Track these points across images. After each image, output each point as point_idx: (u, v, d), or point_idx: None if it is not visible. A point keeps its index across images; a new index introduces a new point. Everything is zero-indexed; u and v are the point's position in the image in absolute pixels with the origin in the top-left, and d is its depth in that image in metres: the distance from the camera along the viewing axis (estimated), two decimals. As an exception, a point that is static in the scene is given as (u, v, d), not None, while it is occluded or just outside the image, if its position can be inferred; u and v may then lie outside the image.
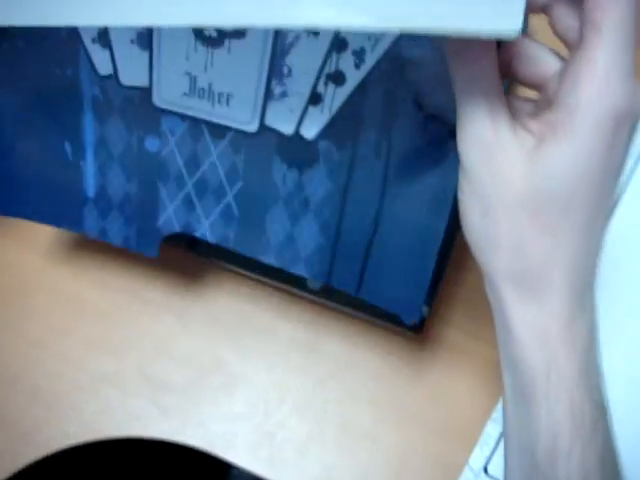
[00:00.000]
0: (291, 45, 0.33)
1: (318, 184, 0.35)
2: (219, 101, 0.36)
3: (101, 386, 0.47)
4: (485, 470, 0.39)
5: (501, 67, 0.28)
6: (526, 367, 0.28)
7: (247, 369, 0.45)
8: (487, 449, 0.39)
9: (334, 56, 0.32)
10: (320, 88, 0.33)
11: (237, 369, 0.46)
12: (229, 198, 0.38)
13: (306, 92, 0.33)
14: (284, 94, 0.34)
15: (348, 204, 0.35)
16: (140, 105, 0.37)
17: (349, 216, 0.35)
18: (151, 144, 0.38)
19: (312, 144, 0.34)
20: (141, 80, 0.37)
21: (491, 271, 0.28)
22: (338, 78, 0.33)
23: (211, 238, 0.39)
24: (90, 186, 0.41)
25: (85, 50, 0.38)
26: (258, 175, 0.36)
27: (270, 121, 0.35)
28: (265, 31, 0.33)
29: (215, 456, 0.43)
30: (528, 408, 0.28)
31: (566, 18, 0.28)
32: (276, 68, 0.34)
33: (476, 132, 0.27)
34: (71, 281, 0.50)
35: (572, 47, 0.28)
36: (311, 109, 0.34)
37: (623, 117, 0.26)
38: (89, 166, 0.41)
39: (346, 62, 0.32)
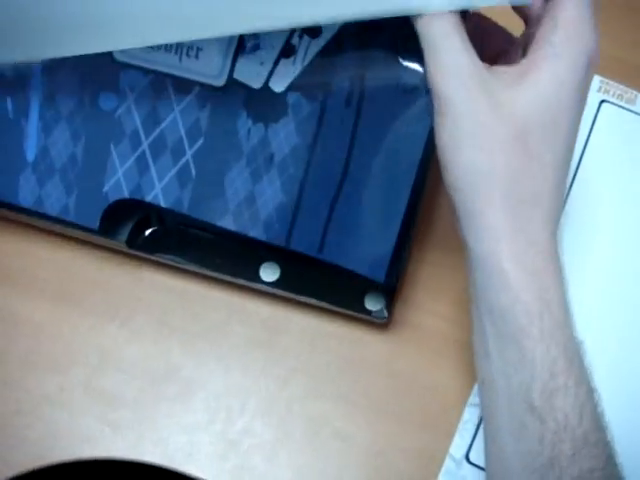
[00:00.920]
0: None
1: (284, 139, 0.35)
2: (187, 54, 0.36)
3: (44, 407, 0.41)
4: (467, 458, 0.38)
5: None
6: (520, 308, 0.28)
7: (203, 374, 0.42)
8: (467, 436, 0.38)
9: (309, 9, 0.34)
10: (294, 40, 0.34)
11: (192, 375, 0.42)
12: (187, 157, 0.37)
13: (279, 45, 0.34)
14: (256, 47, 0.35)
15: (314, 158, 0.35)
16: (97, 59, 0.36)
17: (315, 171, 0.35)
18: (106, 101, 0.37)
19: (281, 97, 0.35)
20: (104, 32, 0.36)
21: (484, 208, 0.28)
22: (314, 30, 0.34)
23: (164, 202, 0.38)
24: (30, 148, 0.39)
25: None
26: (221, 131, 0.36)
27: (239, 74, 0.35)
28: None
29: (176, 471, 0.39)
30: (520, 353, 0.28)
31: None
32: (250, 21, 0.34)
33: (454, 62, 0.28)
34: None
35: (529, 20, 0.32)
36: (282, 61, 0.34)
37: (592, 59, 0.29)
38: (31, 125, 0.38)
39: (321, 15, 0.34)
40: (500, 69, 0.29)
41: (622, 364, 0.40)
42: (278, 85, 0.35)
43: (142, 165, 0.38)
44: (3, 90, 0.38)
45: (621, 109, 0.45)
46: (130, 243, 0.40)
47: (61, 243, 0.44)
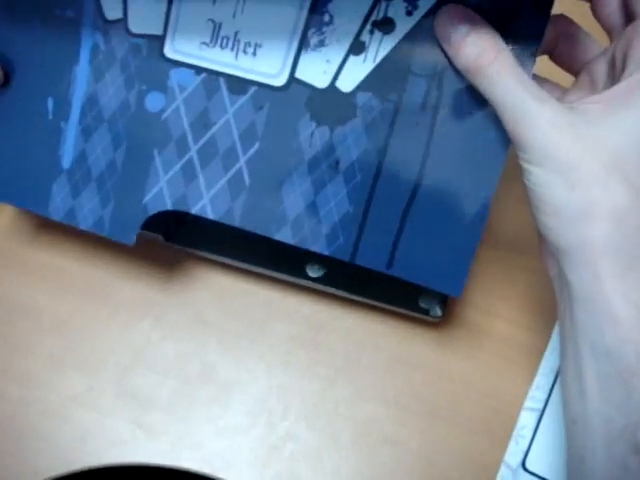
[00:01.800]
0: (334, -8, 0.31)
1: (352, 143, 0.32)
2: (244, 51, 0.33)
3: (72, 409, 0.38)
4: (523, 466, 0.34)
5: (546, 45, 0.29)
6: (630, 347, 0.26)
7: (242, 374, 0.39)
8: (523, 442, 0.35)
9: (382, 3, 0.31)
10: (364, 36, 0.31)
11: (230, 375, 0.39)
12: (241, 164, 0.34)
13: (347, 41, 0.31)
14: (321, 43, 0.32)
15: (386, 164, 0.32)
16: (147, 56, 0.33)
17: (386, 178, 0.32)
18: (153, 102, 0.34)
19: (349, 97, 0.32)
20: (154, 27, 0.33)
21: (584, 248, 0.26)
22: (386, 25, 0.31)
23: (212, 213, 0.34)
24: (67, 153, 0.35)
25: None
26: (280, 135, 0.33)
27: (302, 73, 0.32)
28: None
29: (215, 478, 0.36)
30: (627, 393, 0.26)
31: (609, 3, 0.30)
32: (316, 16, 0.32)
33: (526, 114, 0.27)
34: (23, 287, 0.42)
35: (613, 32, 0.30)
36: (352, 59, 0.31)
37: None
38: (71, 128, 0.35)
39: (396, 9, 0.31)
40: (585, 102, 0.28)
41: None
42: (346, 84, 0.32)
43: (189, 173, 0.34)
44: (46, 88, 0.35)
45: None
46: (167, 235, 0.37)
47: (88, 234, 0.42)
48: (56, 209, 0.36)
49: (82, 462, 0.37)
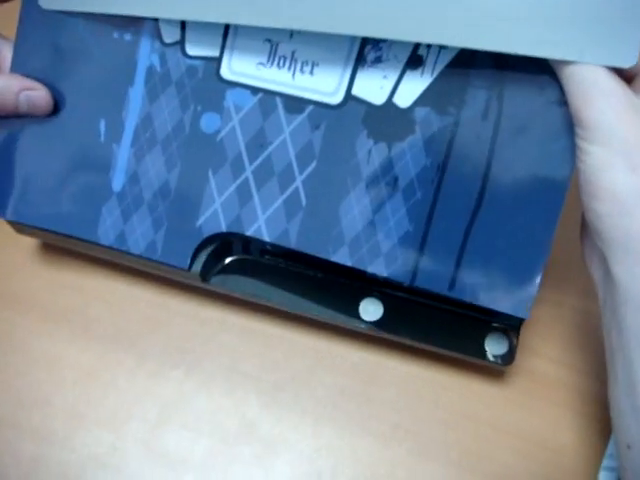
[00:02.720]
0: (390, 10, 0.31)
1: (411, 159, 0.31)
2: (302, 70, 0.32)
3: (94, 470, 0.36)
4: None
5: None
6: None
7: (285, 431, 0.36)
8: None
9: (441, 17, 0.31)
10: (421, 50, 0.31)
11: (272, 433, 0.36)
12: (297, 183, 0.33)
13: (405, 56, 0.31)
14: (378, 59, 0.31)
15: (446, 180, 0.31)
16: (203, 78, 0.33)
17: (446, 195, 0.31)
18: (208, 123, 0.34)
19: (407, 113, 0.31)
20: (211, 49, 0.33)
21: (638, 238, 0.25)
22: (445, 39, 0.31)
23: (268, 235, 0.33)
24: (118, 176, 0.35)
25: None
26: (337, 153, 0.32)
27: (358, 90, 0.32)
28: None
29: None
30: None
31: None
32: (373, 32, 0.31)
33: (600, 88, 0.26)
34: (42, 334, 0.40)
35: None
36: (409, 74, 0.31)
37: None
38: (123, 150, 0.35)
39: (455, 22, 0.31)
40: None
41: None
42: (404, 100, 0.31)
43: (244, 194, 0.34)
44: (98, 110, 0.35)
45: None
46: (204, 275, 0.36)
47: (114, 274, 0.40)
48: (106, 233, 0.35)
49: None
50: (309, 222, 0.33)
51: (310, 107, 0.32)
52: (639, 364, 0.26)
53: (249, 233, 0.34)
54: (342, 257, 0.33)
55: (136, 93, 0.34)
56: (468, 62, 0.30)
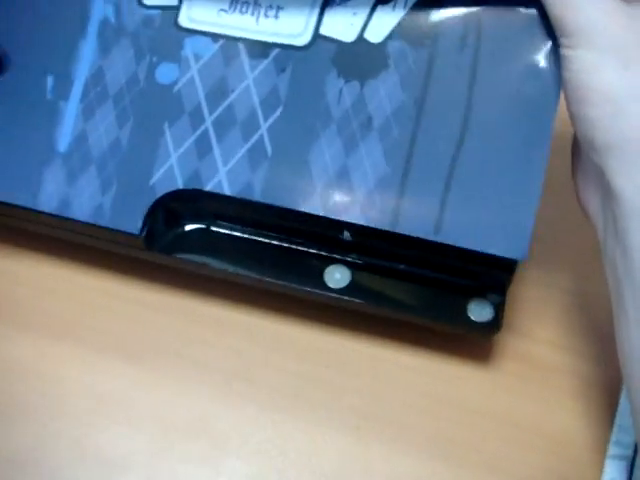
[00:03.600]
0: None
1: (385, 96, 0.29)
2: (266, 15, 0.30)
3: (15, 469, 0.30)
4: None
5: None
6: None
7: (240, 425, 0.31)
8: None
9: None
10: (393, -15, 0.29)
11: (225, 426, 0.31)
12: (262, 131, 0.30)
13: (375, -8, 0.30)
14: (347, -2, 0.30)
15: (424, 116, 0.29)
16: (160, 27, 0.31)
17: (427, 131, 0.29)
18: (165, 74, 0.31)
19: (379, 48, 0.29)
20: (169, -4, 0.31)
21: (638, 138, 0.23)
22: (415, -30, 0.29)
23: (229, 189, 0.30)
24: (64, 135, 0.32)
25: None
26: (306, 96, 0.30)
27: (327, 29, 0.30)
28: None
29: None
30: None
31: None
32: (340, -29, 0.30)
33: None
34: None
35: None
36: (380, 9, 0.29)
37: None
38: (71, 107, 0.32)
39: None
40: None
41: None
42: (375, 35, 0.29)
43: (203, 147, 0.30)
44: (46, 66, 0.32)
45: None
46: (151, 243, 0.32)
47: (47, 259, 0.36)
48: (47, 199, 0.31)
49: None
50: (275, 172, 0.30)
51: (275, 51, 0.30)
52: None
53: (208, 188, 0.30)
54: (313, 207, 0.29)
55: (88, 46, 0.32)
56: None
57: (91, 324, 0.34)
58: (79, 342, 0.34)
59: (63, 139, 0.32)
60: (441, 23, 0.29)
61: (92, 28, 0.32)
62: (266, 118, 0.30)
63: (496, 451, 0.31)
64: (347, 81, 0.30)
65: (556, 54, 0.27)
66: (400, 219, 0.28)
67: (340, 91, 0.30)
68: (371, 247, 0.31)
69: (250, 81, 0.30)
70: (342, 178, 0.29)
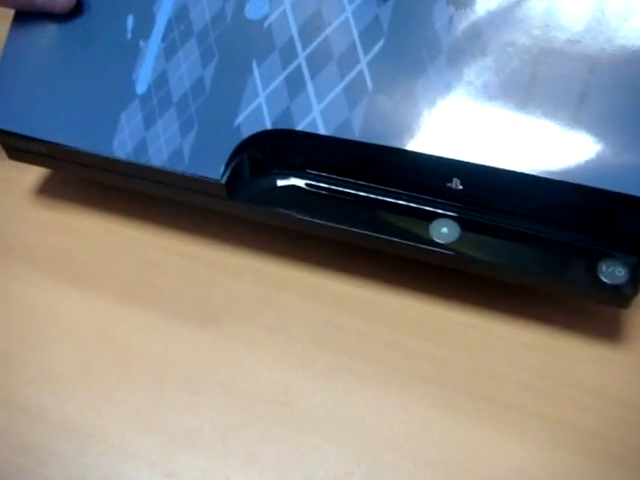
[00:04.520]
0: None
1: (503, 22, 0.26)
2: (367, -56, 0.28)
3: None
4: None
5: None
6: None
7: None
8: None
9: None
10: None
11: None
12: (361, 66, 0.27)
13: None
14: None
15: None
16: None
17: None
18: (255, 9, 0.29)
19: (495, -28, 0.26)
20: None
21: None
22: None
23: (324, 128, 0.27)
24: (143, 76, 0.29)
25: None
26: (410, 26, 0.27)
27: (435, -44, 0.27)
28: None
29: None
30: None
31: None
32: None
33: None
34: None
35: None
36: None
37: None
38: (152, 47, 0.29)
39: None
40: None
41: None
42: (490, -41, 0.27)
43: (295, 84, 0.28)
44: (126, 5, 0.30)
45: None
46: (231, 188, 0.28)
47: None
48: (123, 144, 0.29)
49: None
50: (377, 108, 0.27)
51: (376, -20, 0.28)
52: None
53: (301, 127, 0.27)
54: (420, 145, 0.26)
55: (170, -19, 0.30)
56: None
57: (159, 287, 0.31)
58: (145, 304, 0.30)
59: (142, 80, 0.29)
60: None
61: (177, -35, 0.30)
62: (366, 52, 0.27)
63: (624, 440, 0.26)
64: (457, 8, 0.27)
65: None
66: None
67: (450, 19, 0.27)
68: (484, 198, 0.27)
69: (349, 14, 0.28)
70: (452, 113, 0.26)
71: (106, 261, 0.32)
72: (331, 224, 0.28)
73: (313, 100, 0.27)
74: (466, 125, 0.26)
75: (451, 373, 0.28)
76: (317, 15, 0.28)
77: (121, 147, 0.29)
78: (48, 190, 0.35)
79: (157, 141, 0.29)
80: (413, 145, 0.26)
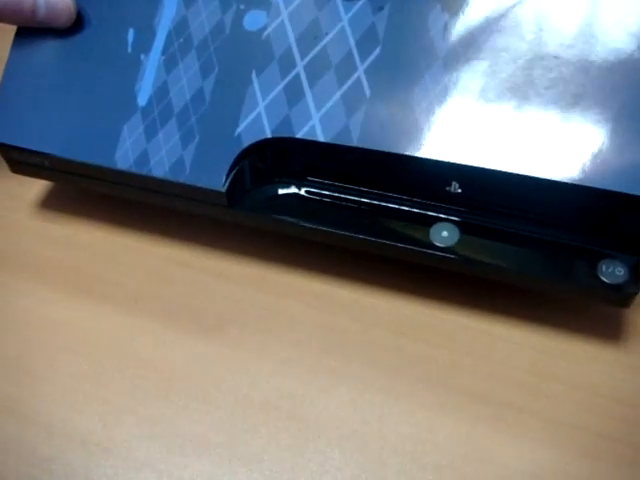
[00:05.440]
0: None
1: (497, 28, 0.26)
2: (365, -45, 0.28)
3: None
4: None
5: None
6: None
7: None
8: None
9: None
10: None
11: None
12: (359, 73, 0.27)
13: None
14: None
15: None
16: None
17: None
18: (253, 21, 0.29)
19: (489, -21, 0.27)
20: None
21: None
22: None
23: (323, 135, 0.27)
24: (145, 89, 0.30)
25: None
26: (406, 33, 0.27)
27: (428, -37, 0.28)
28: None
29: None
30: None
31: None
32: None
33: None
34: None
35: None
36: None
37: None
38: (152, 60, 0.30)
39: None
40: None
41: None
42: (484, -34, 0.27)
43: (294, 92, 0.28)
44: (127, 19, 0.30)
45: None
46: (232, 197, 0.28)
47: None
48: (124, 156, 0.29)
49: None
50: (375, 114, 0.27)
51: (372, -10, 0.28)
52: None
53: (300, 135, 0.27)
54: (418, 150, 0.26)
55: (171, -2, 0.30)
56: None
57: (164, 296, 0.31)
58: (151, 314, 0.31)
59: (143, 93, 0.30)
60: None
61: (176, -21, 0.30)
62: (363, 59, 0.28)
63: (627, 439, 0.26)
64: (452, 15, 0.27)
65: None
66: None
67: (444, 26, 0.27)
68: (482, 201, 0.27)
69: (345, 22, 0.28)
70: (449, 118, 0.26)
71: (111, 272, 0.32)
72: (332, 231, 0.28)
73: (312, 108, 0.28)
74: (463, 129, 0.26)
75: (456, 376, 0.28)
76: (314, 25, 0.29)
77: (123, 159, 0.29)
78: (51, 203, 0.35)
79: (159, 152, 0.29)
80: (411, 150, 0.26)
